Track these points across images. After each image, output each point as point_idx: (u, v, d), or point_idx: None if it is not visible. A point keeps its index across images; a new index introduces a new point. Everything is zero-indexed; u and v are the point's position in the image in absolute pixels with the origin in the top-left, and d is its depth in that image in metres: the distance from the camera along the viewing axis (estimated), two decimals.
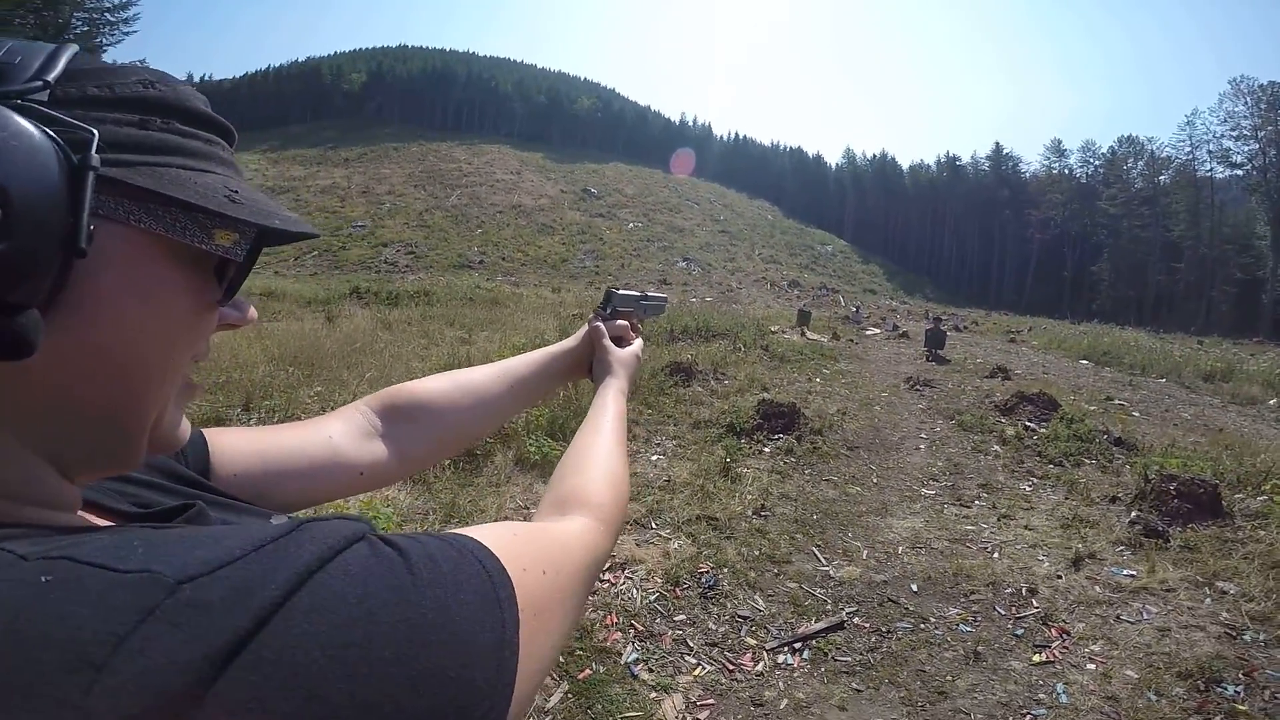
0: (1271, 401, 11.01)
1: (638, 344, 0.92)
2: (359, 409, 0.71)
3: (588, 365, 0.88)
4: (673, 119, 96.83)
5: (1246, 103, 52.03)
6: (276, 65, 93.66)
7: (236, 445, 0.58)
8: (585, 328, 0.88)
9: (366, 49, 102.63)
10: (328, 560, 0.30)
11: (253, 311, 0.46)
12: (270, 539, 0.30)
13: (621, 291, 0.93)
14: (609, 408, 0.76)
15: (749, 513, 4.09)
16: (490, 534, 0.40)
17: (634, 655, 2.61)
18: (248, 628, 0.26)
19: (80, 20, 28.88)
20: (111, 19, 30.27)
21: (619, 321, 0.90)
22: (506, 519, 3.59)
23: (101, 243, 0.32)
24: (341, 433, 0.66)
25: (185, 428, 0.42)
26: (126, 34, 30.73)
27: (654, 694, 2.40)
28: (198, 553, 0.28)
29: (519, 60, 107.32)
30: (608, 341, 0.87)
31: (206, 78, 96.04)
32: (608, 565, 3.07)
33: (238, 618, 0.26)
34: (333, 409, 0.72)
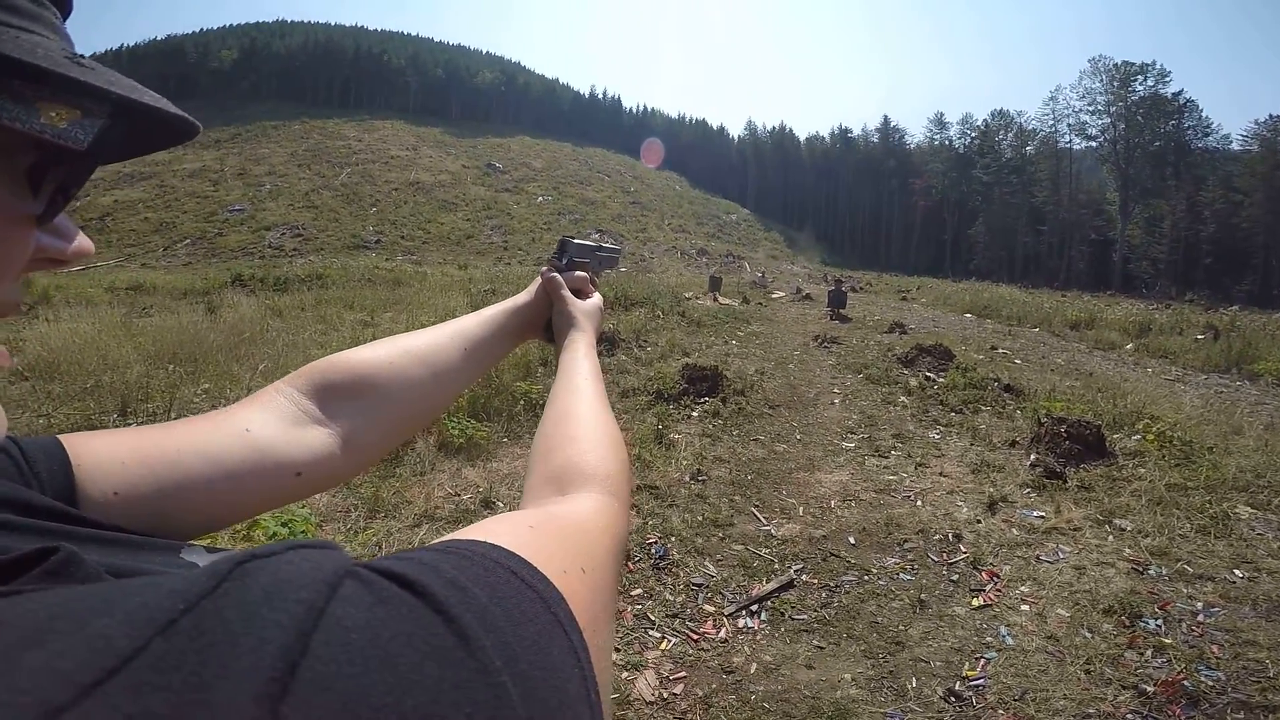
0: (1129, 346, 12.38)
1: (597, 298, 0.81)
2: (280, 390, 0.54)
3: (542, 323, 0.77)
4: (582, 91, 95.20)
5: (1102, 80, 56.95)
6: (131, 44, 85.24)
7: (111, 454, 0.41)
8: (537, 281, 0.77)
9: (238, 25, 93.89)
10: (308, 631, 0.18)
11: (85, 240, 0.31)
12: (183, 607, 0.18)
13: (578, 241, 0.84)
14: (582, 364, 0.66)
15: (686, 478, 4.08)
16: (505, 531, 0.30)
17: None
18: None
19: None
20: None
21: (577, 273, 0.81)
22: (436, 510, 3.34)
23: None
24: (262, 423, 0.50)
25: None
26: None
27: (625, 674, 2.34)
28: (37, 658, 0.16)
29: (413, 34, 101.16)
30: (566, 293, 0.76)
31: None
32: None
33: None
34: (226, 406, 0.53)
